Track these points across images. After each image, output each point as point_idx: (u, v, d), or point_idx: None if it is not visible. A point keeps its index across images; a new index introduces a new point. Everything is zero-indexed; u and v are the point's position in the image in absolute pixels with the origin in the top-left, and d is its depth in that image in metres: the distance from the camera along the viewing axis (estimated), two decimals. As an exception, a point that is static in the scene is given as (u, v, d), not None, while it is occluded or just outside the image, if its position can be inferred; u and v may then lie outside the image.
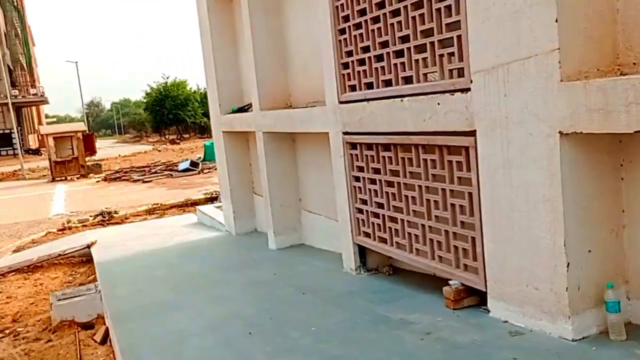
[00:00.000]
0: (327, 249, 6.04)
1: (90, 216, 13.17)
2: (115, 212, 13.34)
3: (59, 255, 8.69)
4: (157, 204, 14.35)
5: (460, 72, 3.41)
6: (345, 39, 4.57)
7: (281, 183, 6.46)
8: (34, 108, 67.21)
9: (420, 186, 3.91)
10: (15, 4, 56.93)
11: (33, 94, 50.06)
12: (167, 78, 63.32)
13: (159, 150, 41.67)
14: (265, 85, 6.34)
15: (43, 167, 29.36)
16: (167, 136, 69.96)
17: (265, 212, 6.71)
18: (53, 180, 23.33)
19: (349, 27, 4.47)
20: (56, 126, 26.85)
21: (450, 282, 3.66)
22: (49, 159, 23.82)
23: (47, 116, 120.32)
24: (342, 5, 4.53)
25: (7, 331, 6.00)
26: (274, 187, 6.44)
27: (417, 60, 3.78)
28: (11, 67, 49.96)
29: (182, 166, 22.30)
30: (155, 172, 22.25)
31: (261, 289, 4.64)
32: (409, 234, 4.11)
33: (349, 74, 4.58)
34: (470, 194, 3.45)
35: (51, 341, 5.51)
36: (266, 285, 4.76)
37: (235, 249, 6.85)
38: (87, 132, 25.29)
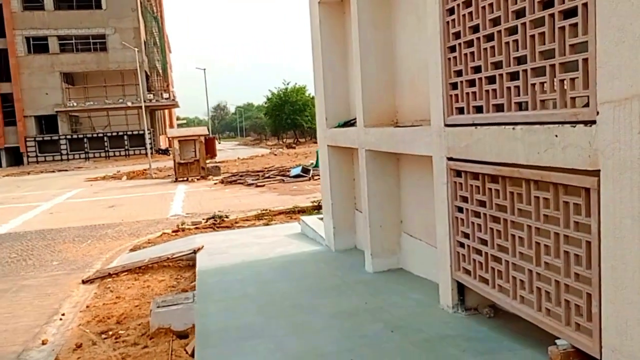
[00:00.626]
0: (426, 277, 5.65)
1: (203, 219, 13.69)
2: (226, 217, 13.77)
3: (168, 258, 9.03)
4: (266, 209, 14.61)
5: (585, 102, 2.93)
6: (454, 57, 4.20)
7: (382, 203, 6.16)
8: (166, 111, 72.32)
9: (529, 226, 3.45)
10: (155, 14, 61.62)
11: (165, 98, 53.74)
12: (288, 84, 65.29)
13: (275, 154, 42.91)
14: (371, 101, 6.09)
15: (169, 167, 31.34)
16: (284, 140, 72.15)
17: (363, 233, 6.45)
18: (176, 180, 24.76)
19: (460, 44, 4.10)
20: (181, 130, 28.53)
21: (558, 342, 3.16)
22: (174, 161, 25.32)
23: (178, 118, 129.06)
24: (453, 20, 4.17)
25: (110, 332, 6.26)
26: (374, 207, 6.16)
27: (533, 85, 3.34)
28: (148, 73, 54.03)
29: (293, 172, 22.68)
30: (269, 177, 22.82)
31: (348, 322, 4.38)
32: (514, 277, 3.64)
33: (457, 95, 4.20)
34: (588, 242, 2.95)
35: (147, 347, 5.64)
36: (354, 317, 4.49)
37: (330, 268, 6.65)
38: (209, 136, 26.54)
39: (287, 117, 62.09)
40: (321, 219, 9.68)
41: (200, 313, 4.97)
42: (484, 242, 3.96)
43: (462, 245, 4.26)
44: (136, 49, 32.49)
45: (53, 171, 40.15)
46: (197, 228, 12.95)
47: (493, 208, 3.83)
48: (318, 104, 8.11)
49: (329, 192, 7.85)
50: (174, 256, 9.09)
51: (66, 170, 40.07)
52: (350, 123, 7.34)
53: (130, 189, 23.39)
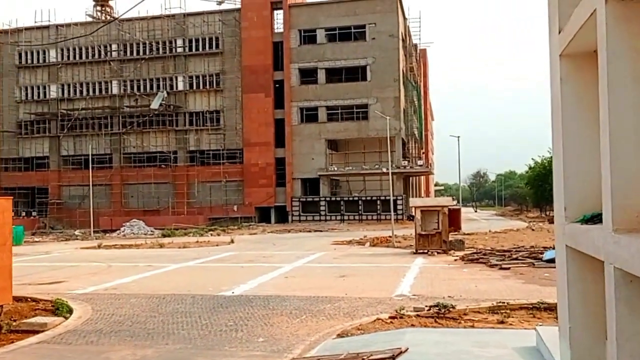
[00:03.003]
0: None
1: (426, 306, 12.08)
2: (452, 306, 11.93)
3: (362, 359, 7.72)
4: (504, 302, 12.36)
5: None
6: None
7: (642, 354, 3.92)
8: (422, 177, 72.89)
9: None
10: (416, 84, 63.34)
11: (419, 165, 53.91)
12: (553, 152, 60.16)
13: (533, 229, 38.91)
14: (625, 191, 4.01)
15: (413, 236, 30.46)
16: (547, 213, 66.22)
17: (611, 391, 4.22)
18: (416, 252, 23.58)
19: None
20: (425, 199, 27.56)
21: None
22: (415, 231, 24.27)
23: (436, 184, 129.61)
24: None
25: None
26: (627, 356, 3.95)
27: None
28: (405, 140, 55.12)
29: (547, 255, 19.53)
30: (516, 259, 20.06)
31: None
32: None
33: None
34: None
35: None
36: None
37: None
38: (454, 207, 24.93)
39: (550, 188, 56.59)
40: (564, 334, 7.37)
41: None
42: None
43: None
44: (387, 117, 33.02)
45: (309, 231, 42.82)
46: (417, 315, 11.45)
47: None
48: (555, 187, 6.10)
49: (565, 309, 5.68)
50: (370, 357, 7.73)
51: (320, 231, 42.33)
52: (600, 218, 5.20)
53: (368, 258, 22.99)
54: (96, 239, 40.46)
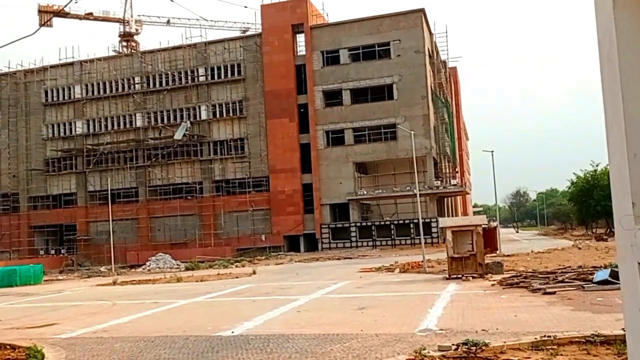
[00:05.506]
0: None
1: (454, 344, 9.90)
2: (485, 344, 9.72)
3: None
4: (549, 336, 10.10)
5: None
6: None
7: None
8: (458, 197, 70.01)
9: None
10: (447, 102, 61.10)
11: (453, 185, 51.35)
12: (597, 165, 57.12)
13: (579, 248, 35.90)
14: None
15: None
16: (594, 230, 62.52)
17: None
18: (449, 277, 21.26)
19: None
20: (455, 219, 25.22)
21: None
22: (447, 254, 21.96)
23: (475, 205, 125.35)
24: None
25: None
26: None
27: None
28: (436, 160, 52.71)
29: (598, 276, 16.98)
30: (562, 281, 17.55)
31: None
32: None
33: None
34: None
35: None
36: None
37: None
38: (489, 226, 22.57)
39: (596, 204, 53.36)
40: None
41: None
42: None
43: None
44: (412, 132, 30.89)
45: (338, 259, 40.65)
46: (442, 357, 9.32)
47: None
48: (613, 175, 3.98)
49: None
50: None
51: (350, 258, 40.12)
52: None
53: (395, 286, 20.77)
54: (118, 274, 39.21)
